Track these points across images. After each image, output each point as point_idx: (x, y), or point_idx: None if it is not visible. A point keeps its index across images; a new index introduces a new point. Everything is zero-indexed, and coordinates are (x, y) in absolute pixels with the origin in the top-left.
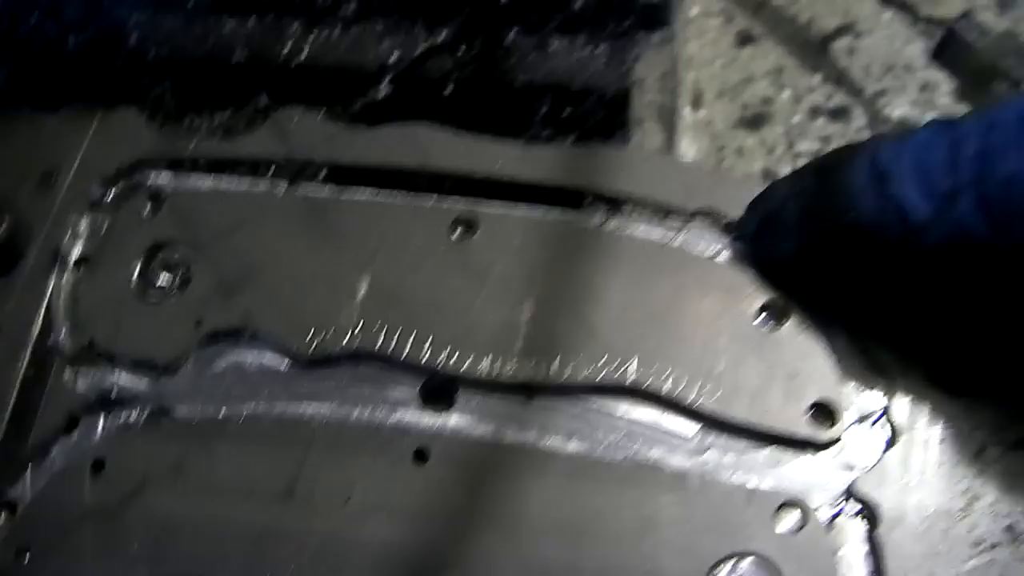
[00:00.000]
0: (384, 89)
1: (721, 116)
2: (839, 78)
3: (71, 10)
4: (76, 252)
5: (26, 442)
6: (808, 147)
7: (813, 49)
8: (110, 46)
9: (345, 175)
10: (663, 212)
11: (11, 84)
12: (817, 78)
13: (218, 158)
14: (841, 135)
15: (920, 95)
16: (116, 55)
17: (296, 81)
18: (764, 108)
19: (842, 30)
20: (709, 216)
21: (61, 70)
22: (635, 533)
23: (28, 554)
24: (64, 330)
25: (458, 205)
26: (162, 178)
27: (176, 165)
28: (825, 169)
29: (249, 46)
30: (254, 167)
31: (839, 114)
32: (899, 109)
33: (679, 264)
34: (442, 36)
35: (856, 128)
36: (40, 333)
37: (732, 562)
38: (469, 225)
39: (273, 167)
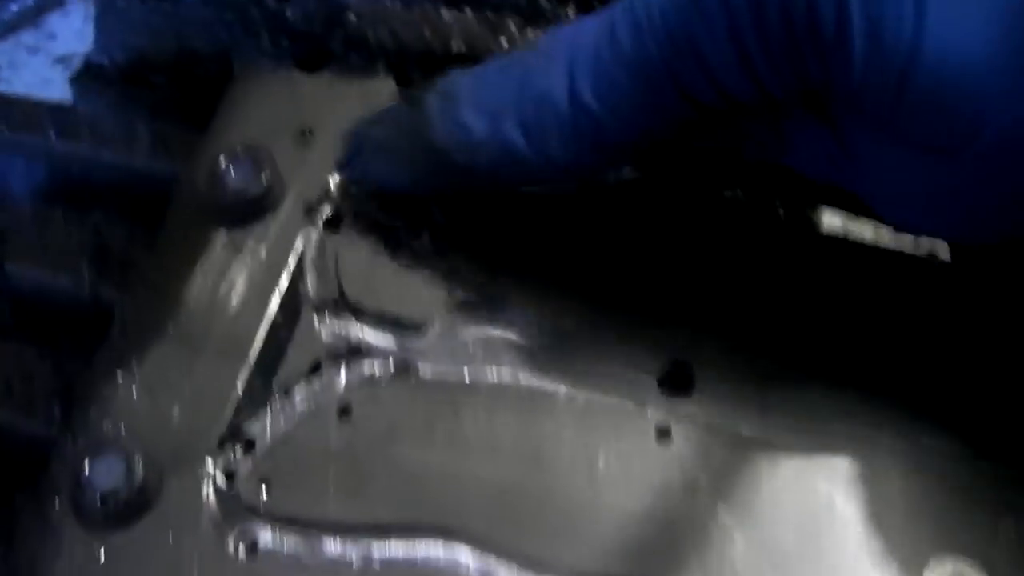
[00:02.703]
0: None
1: None
2: None
3: None
4: (327, 210)
5: (270, 383)
6: None
7: None
8: (329, 24)
9: None
10: None
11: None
12: None
13: None
14: None
15: None
16: (335, 33)
17: None
18: None
19: None
20: None
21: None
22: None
23: (271, 487)
24: (312, 281)
25: None
26: None
27: None
28: (411, 96)
29: (466, 38)
30: None
31: None
32: None
33: None
34: None
35: None
36: (290, 281)
37: None
38: None
39: None
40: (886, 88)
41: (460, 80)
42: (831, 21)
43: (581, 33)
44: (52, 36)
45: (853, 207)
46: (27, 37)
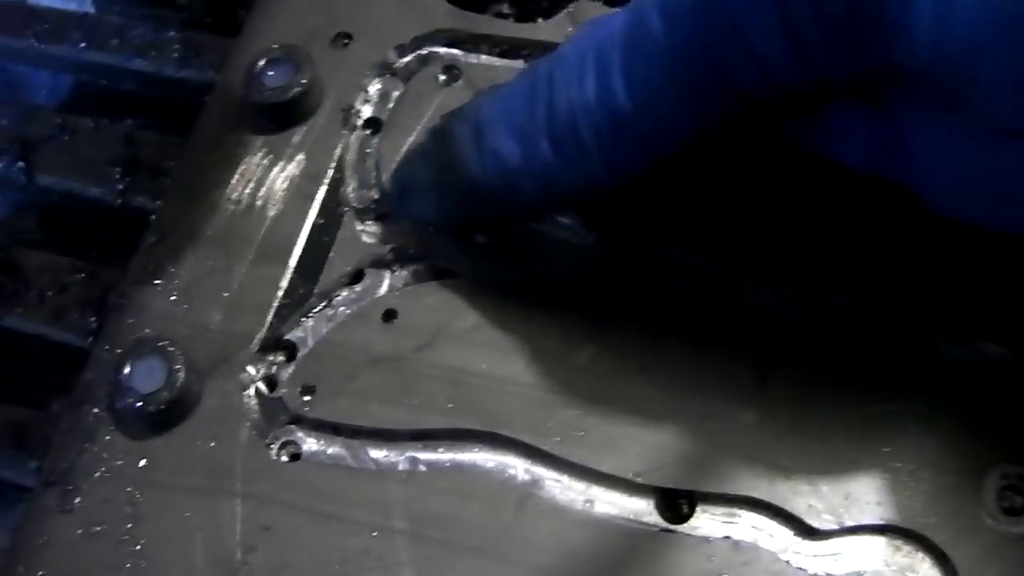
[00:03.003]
0: None
1: None
2: None
3: None
4: (367, 112)
5: (311, 289)
6: None
7: None
8: None
9: None
10: None
11: None
12: None
13: (513, 39)
14: None
15: None
16: None
17: None
18: None
19: None
20: None
21: None
22: None
23: (314, 393)
24: (353, 185)
25: None
26: (456, 52)
27: (471, 41)
28: (440, 130)
29: None
30: (544, 52)
31: None
32: None
33: None
34: None
35: None
36: (330, 185)
37: None
38: None
39: None
40: (960, 67)
41: (487, 105)
42: None
43: (607, 32)
44: None
45: (894, 198)
46: None
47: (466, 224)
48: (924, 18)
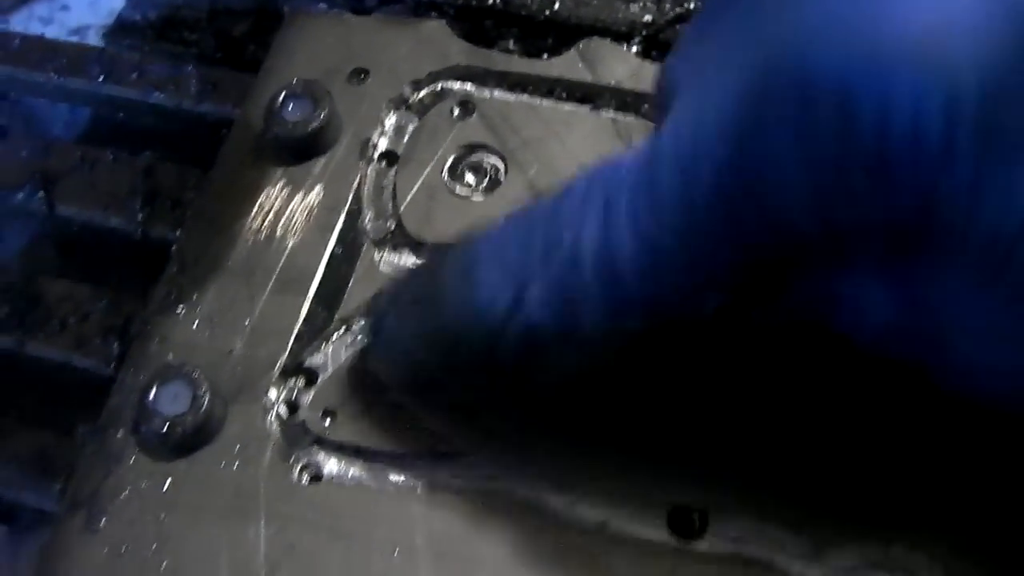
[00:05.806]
0: (634, 46)
1: None
2: None
3: None
4: (383, 145)
5: (332, 316)
6: None
7: None
8: None
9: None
10: None
11: None
12: None
13: (527, 75)
14: None
15: None
16: None
17: (543, 32)
18: None
19: None
20: None
21: None
22: None
23: (335, 418)
24: (369, 216)
25: None
26: (470, 87)
27: (485, 77)
28: (430, 268)
29: None
30: (556, 87)
31: None
32: None
33: None
34: (692, 4)
35: None
36: (348, 216)
37: None
38: None
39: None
40: (1006, 220)
41: (479, 245)
42: (937, 136)
43: (616, 173)
44: (66, 7)
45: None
46: (40, 8)
47: (441, 381)
48: (965, 162)
